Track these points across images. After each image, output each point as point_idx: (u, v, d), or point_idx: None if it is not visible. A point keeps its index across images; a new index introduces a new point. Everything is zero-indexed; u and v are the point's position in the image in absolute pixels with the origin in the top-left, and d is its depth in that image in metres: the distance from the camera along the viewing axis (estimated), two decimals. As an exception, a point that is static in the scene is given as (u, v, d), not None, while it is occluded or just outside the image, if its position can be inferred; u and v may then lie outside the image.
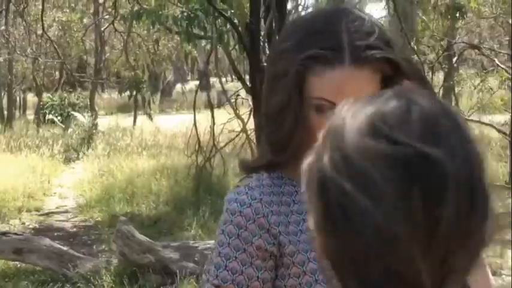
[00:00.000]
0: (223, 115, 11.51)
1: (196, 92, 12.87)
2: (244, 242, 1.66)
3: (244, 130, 8.96)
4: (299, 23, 1.77)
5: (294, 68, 1.63)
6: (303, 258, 1.67)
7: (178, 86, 40.75)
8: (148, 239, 8.42)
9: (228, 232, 1.67)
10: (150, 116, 16.50)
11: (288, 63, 1.65)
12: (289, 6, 8.82)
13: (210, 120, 11.67)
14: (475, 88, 20.52)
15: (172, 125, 21.31)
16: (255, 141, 8.74)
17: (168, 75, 39.85)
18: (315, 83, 1.63)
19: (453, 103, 20.67)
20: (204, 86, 22.50)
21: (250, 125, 9.35)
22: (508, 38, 20.31)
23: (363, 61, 1.61)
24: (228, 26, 8.51)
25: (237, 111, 10.04)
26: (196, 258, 8.03)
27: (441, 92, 18.13)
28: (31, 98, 34.08)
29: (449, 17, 14.70)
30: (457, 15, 14.48)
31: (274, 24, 7.80)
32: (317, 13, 1.81)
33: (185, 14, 7.77)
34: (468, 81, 21.70)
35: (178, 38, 25.13)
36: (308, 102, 1.65)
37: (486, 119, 15.41)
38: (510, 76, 14.02)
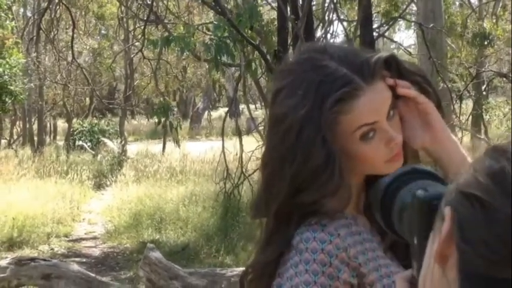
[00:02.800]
0: (251, 142, 11.53)
1: (224, 118, 12.91)
2: (330, 278, 1.69)
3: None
4: (296, 81, 1.80)
5: (320, 124, 1.72)
6: (383, 282, 1.74)
7: (208, 113, 40.91)
8: (175, 265, 8.43)
9: (313, 270, 1.69)
10: (177, 143, 16.47)
11: (311, 125, 1.73)
12: (318, 33, 8.75)
13: (237, 147, 11.70)
14: (504, 116, 20.42)
15: (201, 152, 21.36)
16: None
17: (198, 102, 40.05)
18: (349, 118, 1.73)
19: (482, 131, 20.61)
20: (233, 113, 22.58)
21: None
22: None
23: (372, 76, 1.72)
24: (256, 53, 8.55)
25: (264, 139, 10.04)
26: (223, 286, 8.02)
27: (470, 119, 18.06)
28: (61, 124, 34.38)
29: (476, 44, 14.67)
30: (485, 43, 14.45)
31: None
32: (301, 62, 1.84)
33: (214, 41, 7.80)
34: (497, 109, 21.61)
35: (207, 66, 25.61)
36: (350, 138, 1.75)
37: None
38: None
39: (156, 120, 8.97)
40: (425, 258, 1.02)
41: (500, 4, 18.35)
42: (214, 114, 43.54)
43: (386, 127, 1.76)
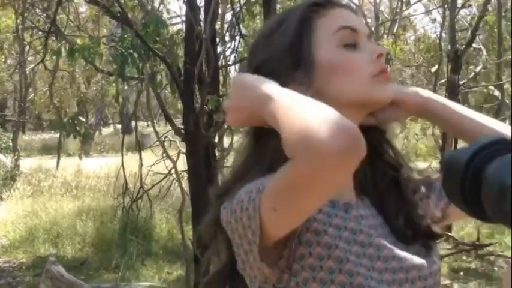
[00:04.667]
0: (149, 157, 11.40)
1: (123, 133, 12.77)
2: None
3: (175, 171, 8.84)
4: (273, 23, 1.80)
5: (298, 17, 1.71)
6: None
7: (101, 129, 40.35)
8: (77, 279, 8.27)
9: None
10: (80, 156, 16.20)
11: (290, 20, 1.72)
12: (219, 49, 8.68)
13: (135, 162, 11.55)
14: (400, 133, 20.75)
15: (96, 168, 21.03)
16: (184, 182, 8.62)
17: (90, 118, 39.45)
18: (327, 20, 1.71)
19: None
20: (129, 128, 22.30)
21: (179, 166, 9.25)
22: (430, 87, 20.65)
23: (351, 8, 1.77)
24: (161, 65, 8.42)
25: (167, 153, 9.92)
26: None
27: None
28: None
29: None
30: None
31: (205, 67, 7.76)
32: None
33: (119, 52, 7.65)
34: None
35: (103, 81, 25.20)
36: (332, 43, 1.69)
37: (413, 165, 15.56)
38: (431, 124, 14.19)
39: (64, 133, 8.66)
40: None
41: (396, 25, 18.75)
42: (106, 130, 43.00)
43: (369, 42, 1.73)
